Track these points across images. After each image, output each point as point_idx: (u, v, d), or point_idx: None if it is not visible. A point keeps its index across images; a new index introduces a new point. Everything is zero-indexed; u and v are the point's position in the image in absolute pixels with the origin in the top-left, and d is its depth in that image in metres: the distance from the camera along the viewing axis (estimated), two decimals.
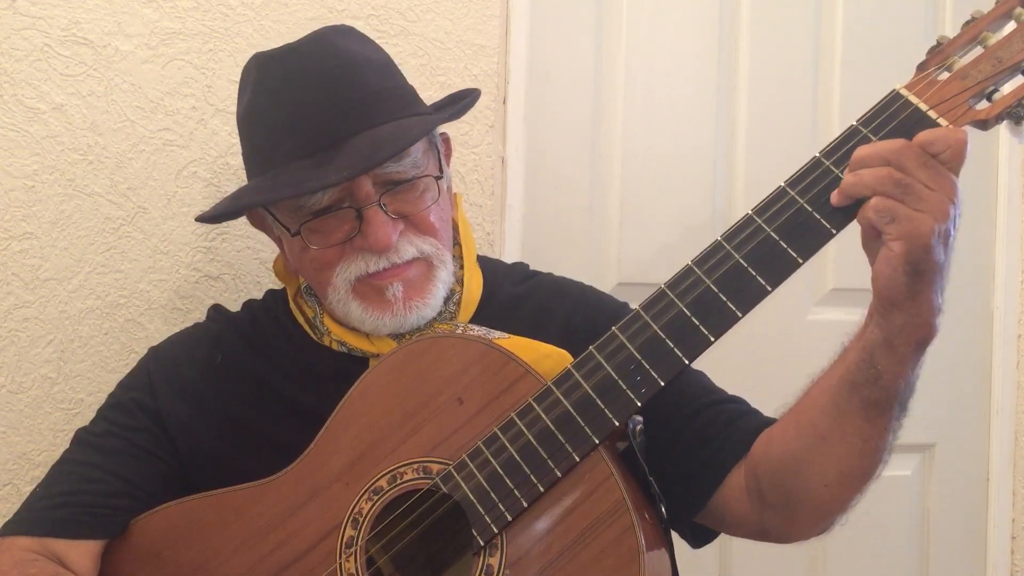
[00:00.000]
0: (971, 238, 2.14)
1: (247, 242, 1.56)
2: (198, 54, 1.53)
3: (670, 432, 1.20)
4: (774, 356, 1.87)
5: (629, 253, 1.91)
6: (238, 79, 1.55)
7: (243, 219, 1.54)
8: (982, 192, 2.18)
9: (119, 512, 1.20)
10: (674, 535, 1.19)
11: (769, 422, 1.19)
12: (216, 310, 1.37)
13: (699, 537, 1.27)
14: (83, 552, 1.17)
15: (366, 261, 1.18)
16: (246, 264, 1.56)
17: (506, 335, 1.19)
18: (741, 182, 1.98)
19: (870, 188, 0.96)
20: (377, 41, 1.60)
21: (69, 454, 1.25)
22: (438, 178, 1.22)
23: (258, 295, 1.42)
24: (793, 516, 1.15)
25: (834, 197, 0.99)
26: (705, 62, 1.97)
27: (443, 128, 1.31)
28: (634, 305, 1.34)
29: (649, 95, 1.92)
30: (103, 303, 1.49)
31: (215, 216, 1.26)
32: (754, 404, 1.25)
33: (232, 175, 1.55)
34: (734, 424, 1.21)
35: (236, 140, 1.53)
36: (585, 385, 1.05)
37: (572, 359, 1.13)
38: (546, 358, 1.14)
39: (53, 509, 1.19)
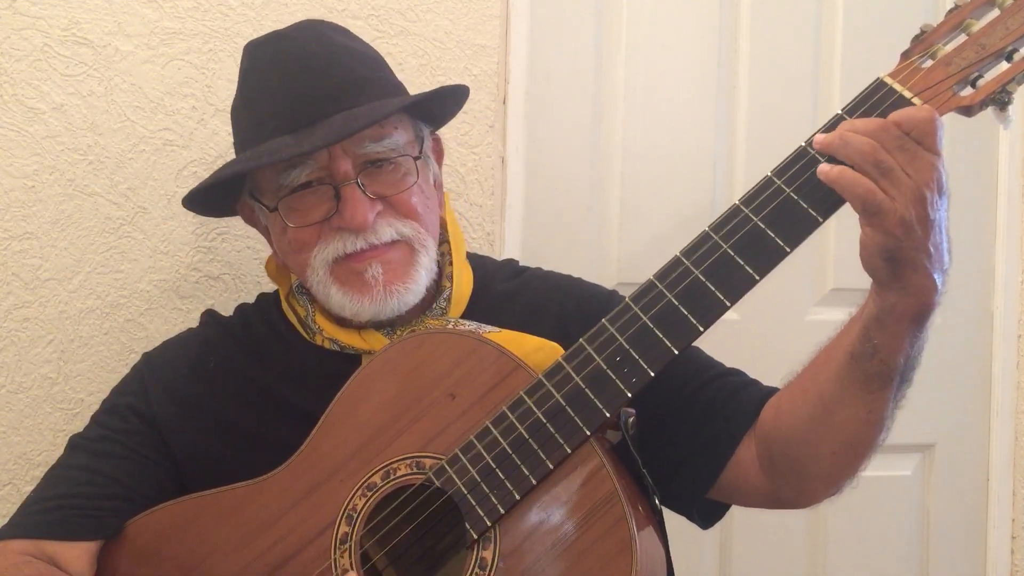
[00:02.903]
0: (971, 238, 2.14)
1: (247, 242, 1.56)
2: (198, 54, 1.53)
3: (675, 410, 1.21)
4: (774, 356, 1.86)
5: (629, 253, 1.91)
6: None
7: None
8: (982, 192, 2.18)
9: (113, 513, 1.20)
10: (674, 528, 1.18)
11: (773, 391, 1.21)
12: (209, 315, 1.37)
13: (708, 516, 1.27)
14: (78, 553, 1.18)
15: (343, 241, 1.19)
16: (246, 264, 1.56)
17: (497, 329, 1.20)
18: (741, 182, 1.98)
19: (849, 157, 0.97)
20: (377, 41, 1.62)
21: (63, 459, 1.25)
22: (416, 158, 1.22)
23: (259, 295, 1.43)
24: (803, 483, 1.16)
25: (821, 168, 0.99)
26: (705, 62, 1.96)
27: (442, 130, 1.33)
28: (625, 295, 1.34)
29: (649, 95, 1.92)
30: (103, 303, 1.49)
31: (201, 198, 1.27)
32: None
33: None
34: (738, 396, 1.22)
35: None
36: (576, 377, 1.06)
37: (564, 351, 1.14)
38: (538, 351, 1.15)
39: (47, 512, 1.19)
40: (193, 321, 1.47)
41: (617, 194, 1.91)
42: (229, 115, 1.53)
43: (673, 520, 1.19)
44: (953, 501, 2.18)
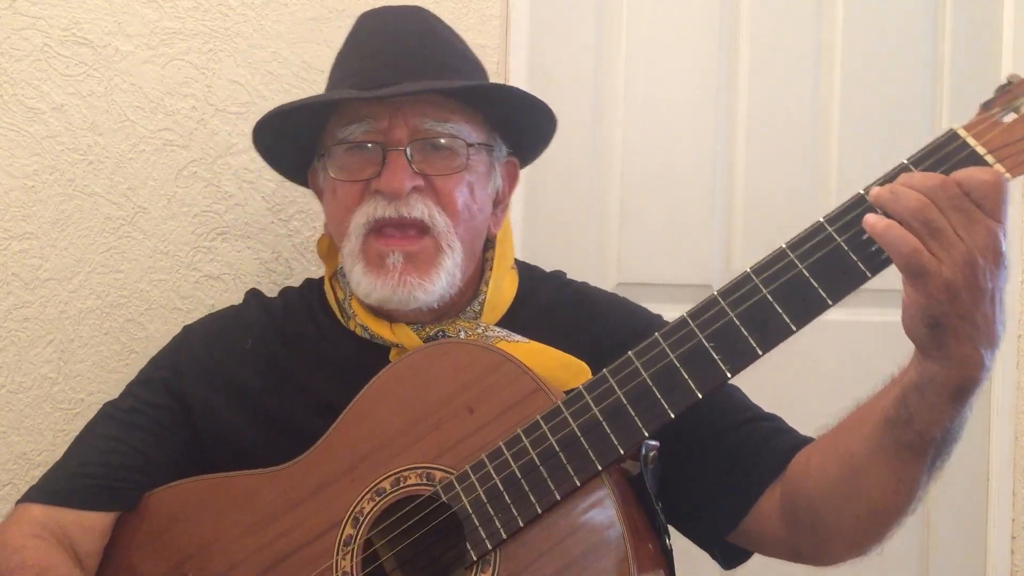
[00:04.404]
0: None
1: (247, 242, 1.56)
2: (198, 54, 1.53)
3: (703, 447, 1.18)
4: (773, 356, 1.87)
5: (629, 253, 1.91)
6: (238, 79, 1.56)
7: (244, 220, 1.55)
8: None
9: (132, 487, 1.22)
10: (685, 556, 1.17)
11: (805, 441, 1.16)
12: (253, 295, 1.38)
13: (730, 557, 1.23)
14: (92, 524, 1.20)
15: (376, 204, 1.19)
16: (246, 264, 1.56)
17: (526, 340, 1.19)
18: (741, 182, 1.98)
19: (898, 212, 0.90)
20: None
21: (92, 426, 1.28)
22: (470, 145, 1.22)
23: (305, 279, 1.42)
24: (824, 542, 1.12)
25: (868, 217, 0.92)
26: (705, 62, 1.96)
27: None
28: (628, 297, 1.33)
29: (649, 95, 1.92)
30: (103, 303, 1.49)
31: (269, 136, 1.28)
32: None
33: (232, 175, 1.55)
34: (770, 443, 1.17)
35: (236, 140, 1.54)
36: (594, 408, 1.02)
37: (590, 371, 1.12)
38: (563, 367, 1.14)
39: (68, 479, 1.21)
40: (193, 320, 1.47)
41: (617, 194, 1.91)
42: (229, 115, 1.54)
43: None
44: (953, 501, 2.18)
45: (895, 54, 2.04)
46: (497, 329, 1.23)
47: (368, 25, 1.29)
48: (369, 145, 1.21)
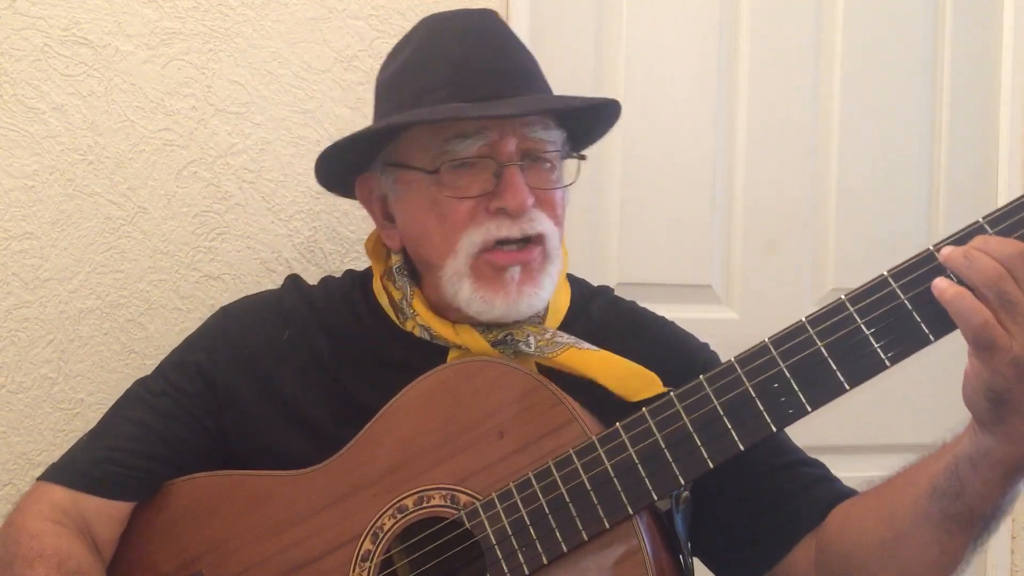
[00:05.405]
0: None
1: (247, 242, 1.56)
2: (198, 54, 1.53)
3: (742, 488, 1.16)
4: None
5: (629, 253, 1.91)
6: (238, 79, 1.56)
7: (244, 220, 1.55)
8: (982, 192, 2.18)
9: (154, 477, 1.21)
10: None
11: (848, 494, 1.14)
12: (292, 281, 1.35)
13: None
14: (113, 512, 1.19)
15: (498, 224, 1.15)
16: (246, 264, 1.56)
17: (596, 348, 1.17)
18: (741, 182, 1.98)
19: (971, 279, 0.86)
20: (377, 41, 1.62)
21: (121, 407, 1.27)
22: (565, 156, 1.21)
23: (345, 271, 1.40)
24: None
25: (937, 282, 0.88)
26: (705, 62, 1.96)
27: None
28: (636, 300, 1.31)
29: (649, 95, 1.92)
30: (103, 303, 1.49)
31: (338, 157, 1.22)
32: None
33: (232, 175, 1.55)
34: (810, 491, 1.15)
35: (236, 140, 1.54)
36: (630, 449, 1.00)
37: (660, 382, 1.10)
38: (635, 377, 1.12)
39: (93, 464, 1.20)
40: (191, 320, 1.47)
41: (617, 194, 1.91)
42: (229, 115, 1.54)
43: None
44: None
45: (895, 54, 2.04)
46: (565, 335, 1.19)
47: (451, 27, 1.22)
48: (477, 161, 1.15)
